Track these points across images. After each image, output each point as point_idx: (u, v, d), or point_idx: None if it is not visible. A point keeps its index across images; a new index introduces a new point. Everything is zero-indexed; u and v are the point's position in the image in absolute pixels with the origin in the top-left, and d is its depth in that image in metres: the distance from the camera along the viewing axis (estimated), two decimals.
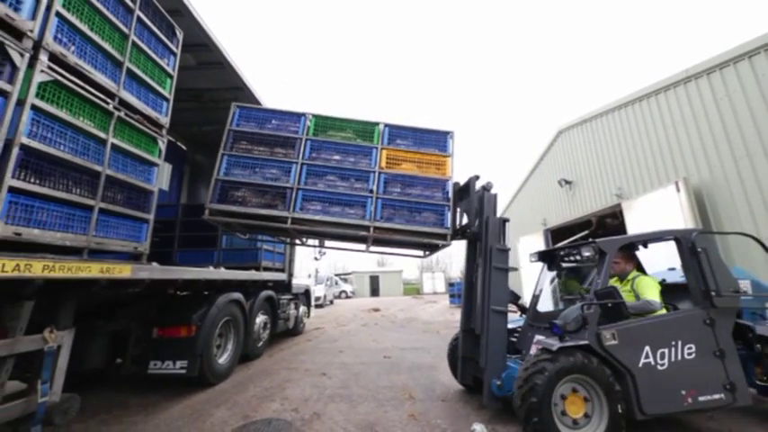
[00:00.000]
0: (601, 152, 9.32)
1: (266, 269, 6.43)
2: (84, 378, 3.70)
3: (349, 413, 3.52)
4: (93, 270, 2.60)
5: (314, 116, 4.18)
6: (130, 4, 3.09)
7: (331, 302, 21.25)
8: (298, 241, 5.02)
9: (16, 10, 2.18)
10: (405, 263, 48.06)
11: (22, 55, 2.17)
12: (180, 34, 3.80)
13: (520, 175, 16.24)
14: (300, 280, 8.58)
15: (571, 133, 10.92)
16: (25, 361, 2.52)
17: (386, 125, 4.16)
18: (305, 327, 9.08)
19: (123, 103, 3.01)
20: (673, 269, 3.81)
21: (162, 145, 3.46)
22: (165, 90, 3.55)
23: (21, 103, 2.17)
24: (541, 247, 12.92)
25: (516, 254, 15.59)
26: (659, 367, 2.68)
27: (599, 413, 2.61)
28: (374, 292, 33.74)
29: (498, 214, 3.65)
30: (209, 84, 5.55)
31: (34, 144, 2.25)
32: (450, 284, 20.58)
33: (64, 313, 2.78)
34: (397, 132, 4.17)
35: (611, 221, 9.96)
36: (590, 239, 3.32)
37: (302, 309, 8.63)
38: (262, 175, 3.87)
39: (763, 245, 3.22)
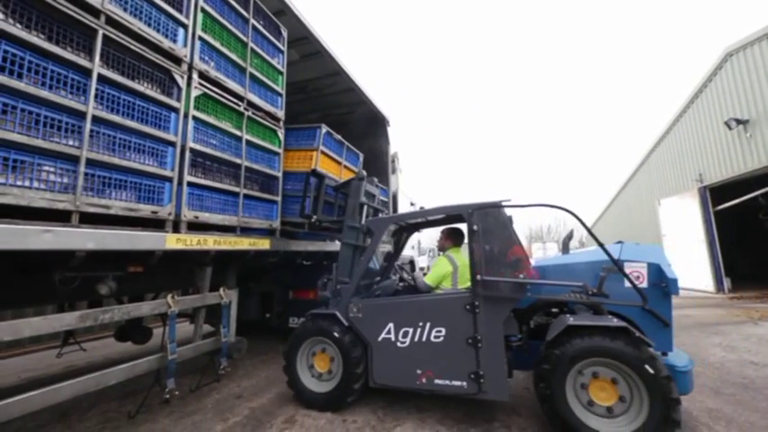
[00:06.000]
0: None
1: None
2: (246, 327, 4.83)
3: None
4: (244, 243, 3.28)
5: None
6: (245, 14, 3.55)
7: None
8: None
9: (174, 41, 2.76)
10: None
11: (182, 77, 2.76)
12: (285, 32, 4.20)
13: (657, 129, 13.02)
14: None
15: (749, 53, 8.01)
16: (211, 311, 3.41)
17: None
18: None
19: (250, 104, 3.56)
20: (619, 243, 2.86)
21: (281, 135, 3.99)
22: (278, 86, 4.03)
23: (186, 115, 2.79)
24: (694, 210, 10.26)
25: (657, 220, 12.81)
26: (399, 344, 2.76)
27: (336, 371, 2.91)
28: None
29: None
30: (311, 74, 6.04)
31: (198, 147, 2.89)
32: None
33: (230, 277, 3.63)
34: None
35: None
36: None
37: None
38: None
39: (575, 215, 2.55)
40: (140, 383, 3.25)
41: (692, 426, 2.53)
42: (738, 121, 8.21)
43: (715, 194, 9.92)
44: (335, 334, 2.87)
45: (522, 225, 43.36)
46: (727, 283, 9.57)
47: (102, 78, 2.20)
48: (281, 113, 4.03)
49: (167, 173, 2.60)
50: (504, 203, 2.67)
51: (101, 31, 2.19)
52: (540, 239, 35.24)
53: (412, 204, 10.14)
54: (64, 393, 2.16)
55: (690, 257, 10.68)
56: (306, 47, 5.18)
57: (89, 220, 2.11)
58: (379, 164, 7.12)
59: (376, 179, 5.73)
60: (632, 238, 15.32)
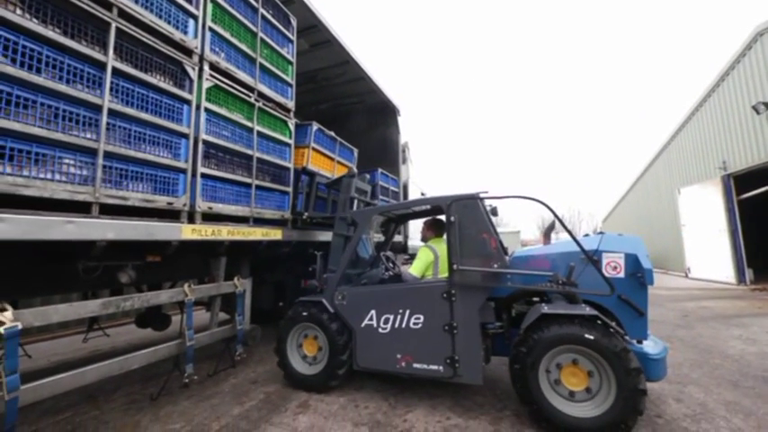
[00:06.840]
0: None
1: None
2: (260, 316, 4.94)
3: None
4: (257, 234, 3.33)
5: None
6: (254, 3, 3.52)
7: None
8: None
9: (185, 33, 2.77)
10: (523, 223, 44.88)
11: (193, 69, 2.78)
12: (294, 21, 4.17)
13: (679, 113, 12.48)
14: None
15: None
16: (226, 299, 3.50)
17: None
18: None
19: (261, 95, 3.56)
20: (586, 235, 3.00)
21: (291, 126, 4.00)
22: (288, 77, 4.02)
23: (198, 107, 2.82)
24: (716, 199, 9.88)
25: (676, 210, 12.41)
26: (380, 330, 2.88)
27: (323, 356, 3.04)
28: None
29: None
30: (321, 63, 6.00)
31: (210, 138, 2.92)
32: None
33: (244, 267, 3.71)
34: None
35: None
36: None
37: None
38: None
39: (548, 207, 2.59)
40: (161, 368, 3.38)
41: (709, 418, 2.49)
42: (767, 105, 7.81)
43: (739, 182, 9.52)
44: (322, 320, 3.00)
45: (536, 216, 42.98)
46: (749, 274, 9.26)
47: (116, 71, 2.23)
48: (291, 104, 4.03)
49: (181, 164, 2.65)
50: (480, 195, 2.74)
51: (114, 24, 2.21)
52: (554, 230, 34.96)
53: (423, 194, 10.11)
54: (90, 376, 2.28)
55: (710, 248, 10.33)
56: (315, 36, 5.13)
57: (108, 211, 2.17)
58: (389, 154, 7.09)
59: (368, 175, 5.73)
60: (649, 228, 14.94)
